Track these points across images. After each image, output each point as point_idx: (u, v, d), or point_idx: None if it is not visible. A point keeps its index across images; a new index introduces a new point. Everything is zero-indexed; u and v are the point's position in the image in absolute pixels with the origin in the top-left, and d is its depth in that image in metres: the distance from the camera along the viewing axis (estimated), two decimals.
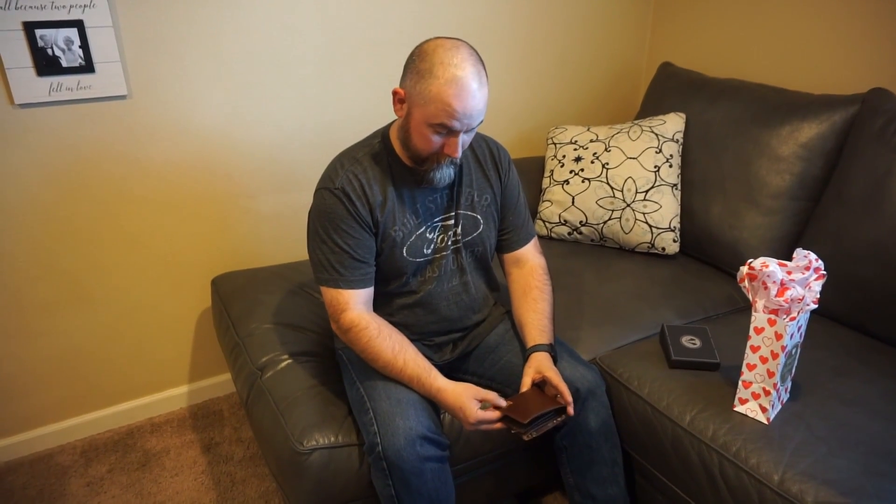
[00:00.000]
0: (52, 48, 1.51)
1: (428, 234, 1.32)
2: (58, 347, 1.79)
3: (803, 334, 1.25)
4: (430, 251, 1.33)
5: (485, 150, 1.37)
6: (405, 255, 1.30)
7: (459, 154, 1.18)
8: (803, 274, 1.16)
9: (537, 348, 1.30)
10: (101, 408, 1.92)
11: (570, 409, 1.21)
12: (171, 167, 1.77)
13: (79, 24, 1.52)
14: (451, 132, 1.15)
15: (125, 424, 1.96)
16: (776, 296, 1.15)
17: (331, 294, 1.26)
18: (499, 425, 1.19)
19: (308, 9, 1.80)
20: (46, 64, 1.52)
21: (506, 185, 1.39)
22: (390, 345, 1.25)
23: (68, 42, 1.52)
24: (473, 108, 1.13)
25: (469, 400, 1.20)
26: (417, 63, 1.14)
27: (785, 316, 1.16)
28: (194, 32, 1.67)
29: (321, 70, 1.88)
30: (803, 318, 1.20)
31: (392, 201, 1.26)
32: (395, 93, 1.19)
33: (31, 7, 1.47)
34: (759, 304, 1.18)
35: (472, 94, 1.11)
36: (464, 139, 1.18)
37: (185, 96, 1.72)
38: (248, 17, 1.73)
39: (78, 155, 1.65)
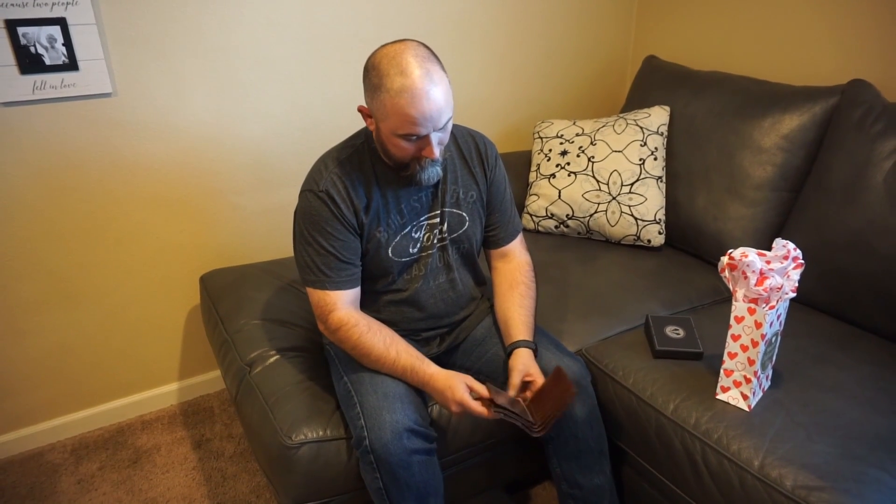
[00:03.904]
0: (34, 46, 1.51)
1: (413, 234, 1.32)
2: (47, 346, 1.80)
3: (783, 323, 1.27)
4: (415, 250, 1.34)
5: (470, 146, 1.37)
6: (390, 255, 1.30)
7: (437, 153, 1.18)
8: (782, 263, 1.18)
9: (523, 344, 1.31)
10: (91, 406, 1.92)
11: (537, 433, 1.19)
12: (158, 164, 1.77)
13: (62, 22, 1.52)
14: (421, 136, 1.15)
15: (115, 422, 1.96)
16: (755, 285, 1.17)
17: (318, 295, 1.27)
18: (479, 408, 1.19)
19: (293, 5, 1.80)
20: (29, 62, 1.51)
21: (492, 180, 1.39)
22: (381, 338, 1.26)
23: (51, 40, 1.52)
24: (432, 110, 1.11)
25: (458, 381, 1.21)
26: (370, 78, 1.13)
27: (764, 305, 1.18)
28: (179, 29, 1.67)
29: (306, 66, 1.88)
30: (782, 307, 1.22)
31: (377, 202, 1.27)
32: (360, 110, 1.20)
33: (12, 5, 1.46)
34: (739, 293, 1.20)
35: (426, 96, 1.09)
36: (439, 137, 1.17)
37: (170, 93, 1.72)
38: (233, 13, 1.73)
39: (63, 153, 1.64)
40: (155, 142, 1.74)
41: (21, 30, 1.48)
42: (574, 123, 2.07)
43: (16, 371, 1.78)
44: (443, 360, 1.46)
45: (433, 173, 1.23)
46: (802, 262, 1.20)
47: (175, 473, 1.76)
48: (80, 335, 1.83)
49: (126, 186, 1.75)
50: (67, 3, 1.51)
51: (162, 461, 1.80)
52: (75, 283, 1.77)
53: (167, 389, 2.02)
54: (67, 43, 1.54)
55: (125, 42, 1.62)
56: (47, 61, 1.53)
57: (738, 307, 1.21)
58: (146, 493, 1.69)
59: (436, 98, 1.11)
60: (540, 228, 2.06)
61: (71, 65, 1.56)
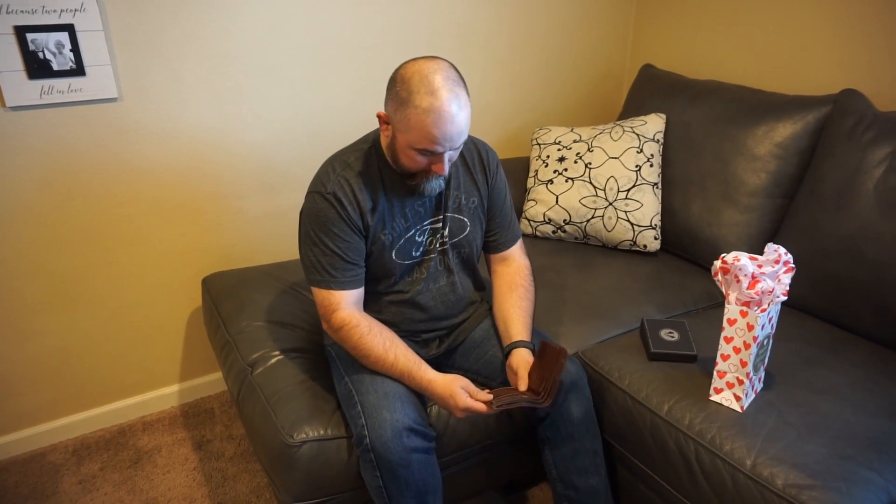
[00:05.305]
0: (43, 51, 1.54)
1: (417, 237, 1.35)
2: (49, 347, 1.81)
3: (774, 325, 1.30)
4: (418, 253, 1.36)
5: (473, 153, 1.41)
6: (394, 257, 1.33)
7: (447, 171, 1.22)
8: (773, 267, 1.21)
9: (521, 345, 1.34)
10: (92, 407, 1.94)
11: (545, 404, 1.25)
12: (162, 169, 1.79)
13: (69, 28, 1.55)
14: (436, 154, 1.19)
15: (117, 423, 1.98)
16: (747, 288, 1.19)
17: (322, 295, 1.30)
18: (483, 408, 1.23)
19: (296, 12, 1.83)
20: (38, 67, 1.54)
21: (493, 187, 1.43)
22: (381, 341, 1.29)
23: (59, 46, 1.55)
24: (454, 132, 1.15)
25: (459, 388, 1.24)
26: (397, 90, 1.16)
27: (756, 307, 1.21)
28: (184, 35, 1.70)
29: (309, 72, 1.92)
30: (774, 310, 1.25)
31: (382, 206, 1.30)
32: (379, 116, 1.23)
33: (22, 11, 1.49)
34: (732, 296, 1.23)
35: (451, 119, 1.13)
36: (450, 155, 1.22)
37: (174, 98, 1.75)
38: (237, 19, 1.76)
39: (69, 157, 1.67)
40: (159, 146, 1.77)
41: (30, 36, 1.51)
42: (572, 130, 2.10)
43: (18, 372, 1.80)
44: (442, 362, 1.48)
45: (436, 185, 1.27)
46: (793, 266, 1.23)
47: (176, 474, 1.78)
48: (83, 337, 1.85)
49: (130, 190, 1.77)
50: (75, 10, 1.55)
51: (163, 462, 1.82)
52: (78, 285, 1.80)
53: (168, 391, 2.04)
54: (75, 49, 1.57)
55: (131, 48, 1.65)
56: (55, 66, 1.56)
57: (731, 310, 1.23)
58: (147, 494, 1.71)
59: (459, 122, 1.15)
60: (537, 233, 2.09)
61: (78, 70, 1.59)
